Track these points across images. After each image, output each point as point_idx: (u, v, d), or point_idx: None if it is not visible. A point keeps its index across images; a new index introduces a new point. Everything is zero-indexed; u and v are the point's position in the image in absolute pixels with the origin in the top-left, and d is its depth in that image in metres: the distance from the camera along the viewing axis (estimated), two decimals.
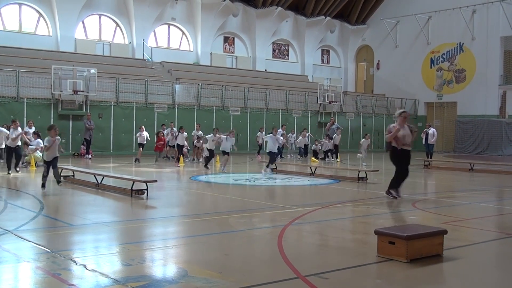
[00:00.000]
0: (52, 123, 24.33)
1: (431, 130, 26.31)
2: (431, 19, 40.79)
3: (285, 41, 43.75)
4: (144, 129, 23.59)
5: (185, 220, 9.50)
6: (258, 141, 28.11)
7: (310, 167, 18.81)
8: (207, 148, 19.97)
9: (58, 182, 12.50)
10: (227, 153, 18.99)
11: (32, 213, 9.50)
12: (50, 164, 12.48)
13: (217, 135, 19.63)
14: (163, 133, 23.29)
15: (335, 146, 26.48)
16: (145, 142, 22.88)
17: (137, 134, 23.53)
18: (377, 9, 44.96)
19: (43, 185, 12.41)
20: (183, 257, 6.70)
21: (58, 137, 13.12)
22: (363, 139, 24.08)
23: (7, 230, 7.69)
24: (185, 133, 22.95)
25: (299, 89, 36.77)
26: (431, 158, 24.96)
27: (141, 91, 28.79)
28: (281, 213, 10.07)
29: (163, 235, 8.15)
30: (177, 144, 22.60)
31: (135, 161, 22.09)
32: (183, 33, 38.55)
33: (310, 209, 10.33)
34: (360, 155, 23.49)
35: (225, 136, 19.06)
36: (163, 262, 6.43)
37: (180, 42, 38.69)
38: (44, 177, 12.52)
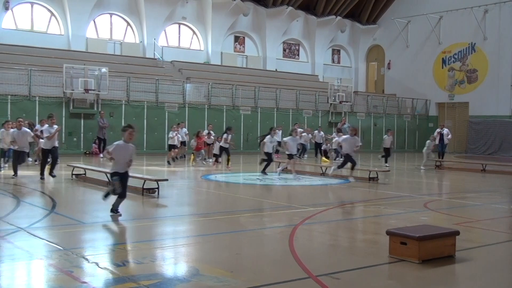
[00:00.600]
0: (63, 121, 24.53)
1: (445, 130, 26.13)
2: (443, 19, 40.57)
3: (296, 40, 43.68)
4: (183, 126, 23.22)
5: (195, 219, 9.52)
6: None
7: (321, 167, 18.77)
8: (264, 152, 18.21)
9: (52, 174, 13.44)
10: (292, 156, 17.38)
11: (44, 211, 9.57)
12: (49, 152, 12.88)
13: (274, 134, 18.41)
14: (202, 133, 22.21)
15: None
16: (176, 143, 21.87)
17: (173, 134, 22.06)
18: (388, 9, 44.78)
19: (41, 174, 13.02)
20: (194, 255, 6.71)
21: (56, 126, 13.45)
22: (386, 136, 23.40)
23: (20, 228, 7.73)
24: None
25: (309, 88, 36.72)
26: (442, 158, 24.82)
27: (152, 90, 28.87)
28: (292, 212, 10.05)
29: (174, 234, 8.17)
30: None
31: (173, 161, 21.32)
32: (194, 32, 38.59)
33: (321, 209, 10.31)
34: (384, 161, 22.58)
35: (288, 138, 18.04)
36: (174, 260, 6.44)
37: (191, 42, 38.74)
38: (43, 165, 12.96)
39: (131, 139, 9.18)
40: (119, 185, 8.92)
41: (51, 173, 14.13)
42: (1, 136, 16.76)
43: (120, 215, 8.99)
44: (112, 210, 9.05)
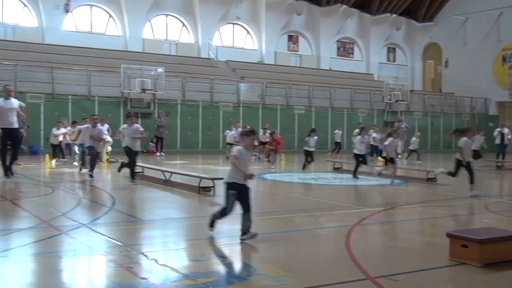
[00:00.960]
0: (121, 120, 25.08)
1: (506, 130, 25.29)
2: (503, 15, 39.30)
3: (350, 39, 43.26)
4: (238, 126, 23.38)
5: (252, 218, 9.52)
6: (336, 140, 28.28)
7: (376, 167, 18.49)
8: (355, 153, 17.82)
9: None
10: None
11: (104, 208, 9.81)
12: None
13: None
14: (277, 134, 22.12)
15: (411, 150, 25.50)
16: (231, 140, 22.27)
17: (233, 133, 22.72)
18: (445, 6, 43.77)
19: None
20: (250, 254, 6.72)
21: (137, 125, 14.04)
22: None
23: (82, 224, 7.96)
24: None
25: (364, 87, 36.31)
26: (503, 158, 24.00)
27: (207, 90, 29.21)
28: (348, 213, 9.95)
29: (230, 232, 8.19)
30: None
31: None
32: (248, 32, 38.78)
33: (378, 210, 10.16)
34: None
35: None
36: (230, 259, 6.48)
37: (245, 41, 38.94)
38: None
39: (251, 145, 7.52)
40: (233, 202, 7.22)
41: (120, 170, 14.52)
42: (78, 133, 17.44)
43: (255, 235, 7.14)
44: (244, 232, 7.14)
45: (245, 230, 7.09)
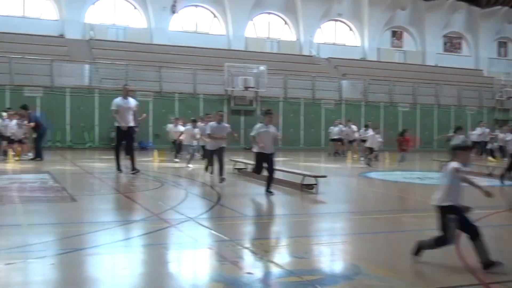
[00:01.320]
0: (226, 118, 25.62)
1: None
2: None
3: (458, 33, 41.52)
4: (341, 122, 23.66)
5: (354, 216, 9.43)
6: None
7: (488, 167, 17.64)
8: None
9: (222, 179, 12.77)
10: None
11: (210, 203, 10.08)
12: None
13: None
14: (408, 133, 21.28)
15: None
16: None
17: (337, 129, 23.45)
18: None
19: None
20: (354, 253, 6.62)
21: (227, 124, 13.73)
22: None
23: (189, 217, 8.22)
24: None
25: (472, 84, 34.73)
26: None
27: (309, 87, 29.17)
28: None
29: (332, 231, 8.16)
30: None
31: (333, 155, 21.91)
32: (350, 28, 38.30)
33: (488, 212, 9.67)
34: None
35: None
36: (335, 257, 6.43)
37: (347, 38, 38.49)
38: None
39: (467, 161, 5.91)
40: (454, 230, 5.76)
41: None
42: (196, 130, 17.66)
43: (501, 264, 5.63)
44: (487, 264, 5.59)
45: (486, 261, 5.60)
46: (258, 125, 11.23)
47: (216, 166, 13.37)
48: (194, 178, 14.61)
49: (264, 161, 11.07)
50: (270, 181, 11.09)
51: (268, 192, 10.97)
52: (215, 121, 13.73)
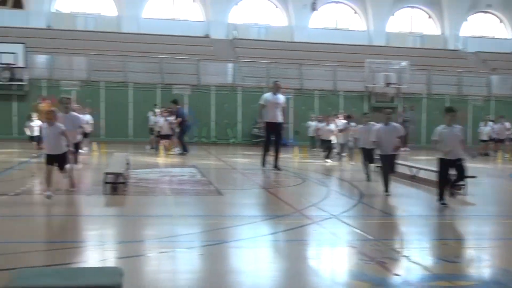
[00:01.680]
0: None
1: None
2: None
3: None
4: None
5: (504, 220, 8.85)
6: None
7: None
8: None
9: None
10: None
11: (353, 201, 10.00)
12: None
13: None
14: None
15: None
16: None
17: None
18: None
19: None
20: (506, 259, 6.22)
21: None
22: None
23: (332, 215, 8.23)
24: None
25: None
26: None
27: (454, 83, 27.89)
28: None
29: (485, 235, 7.73)
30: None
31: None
32: (500, 20, 35.96)
33: None
34: None
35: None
36: (488, 263, 6.08)
37: (497, 30, 36.19)
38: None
39: None
40: None
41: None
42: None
43: None
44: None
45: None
46: (440, 127, 9.42)
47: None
48: (340, 176, 14.60)
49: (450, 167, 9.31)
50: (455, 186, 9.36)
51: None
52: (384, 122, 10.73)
